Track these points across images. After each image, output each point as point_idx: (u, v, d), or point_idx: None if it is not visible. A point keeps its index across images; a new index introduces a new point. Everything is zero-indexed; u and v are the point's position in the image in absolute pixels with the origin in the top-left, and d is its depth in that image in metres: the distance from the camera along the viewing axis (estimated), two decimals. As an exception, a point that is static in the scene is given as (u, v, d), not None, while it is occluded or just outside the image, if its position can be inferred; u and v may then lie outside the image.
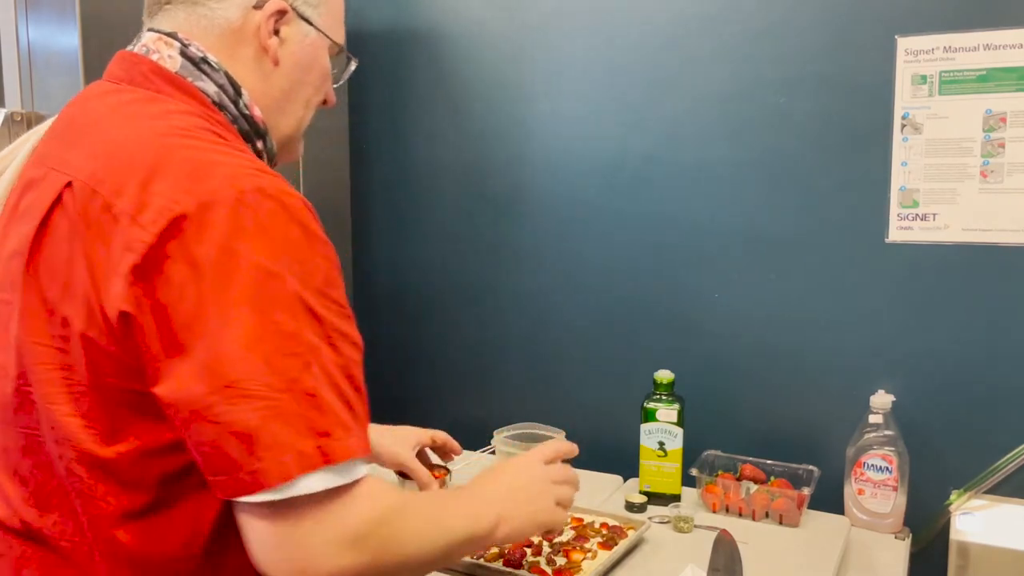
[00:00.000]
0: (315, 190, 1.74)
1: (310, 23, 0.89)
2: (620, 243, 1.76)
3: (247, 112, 0.85)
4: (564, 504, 0.99)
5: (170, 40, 0.82)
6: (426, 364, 2.00)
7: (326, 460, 0.68)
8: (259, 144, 0.88)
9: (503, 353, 1.91)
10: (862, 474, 1.45)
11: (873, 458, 1.44)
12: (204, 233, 0.68)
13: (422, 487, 1.27)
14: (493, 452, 1.65)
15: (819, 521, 1.42)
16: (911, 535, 1.45)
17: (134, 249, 0.68)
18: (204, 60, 0.82)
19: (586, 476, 1.67)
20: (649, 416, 1.52)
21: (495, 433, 1.67)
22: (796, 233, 1.60)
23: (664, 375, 1.52)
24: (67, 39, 1.36)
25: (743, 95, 1.62)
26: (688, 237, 1.69)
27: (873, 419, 1.46)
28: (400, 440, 1.31)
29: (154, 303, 0.68)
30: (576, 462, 1.70)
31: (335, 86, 0.97)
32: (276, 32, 0.86)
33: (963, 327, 1.49)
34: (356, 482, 0.71)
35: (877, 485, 1.44)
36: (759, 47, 1.60)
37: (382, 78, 1.97)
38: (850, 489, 1.47)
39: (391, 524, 0.74)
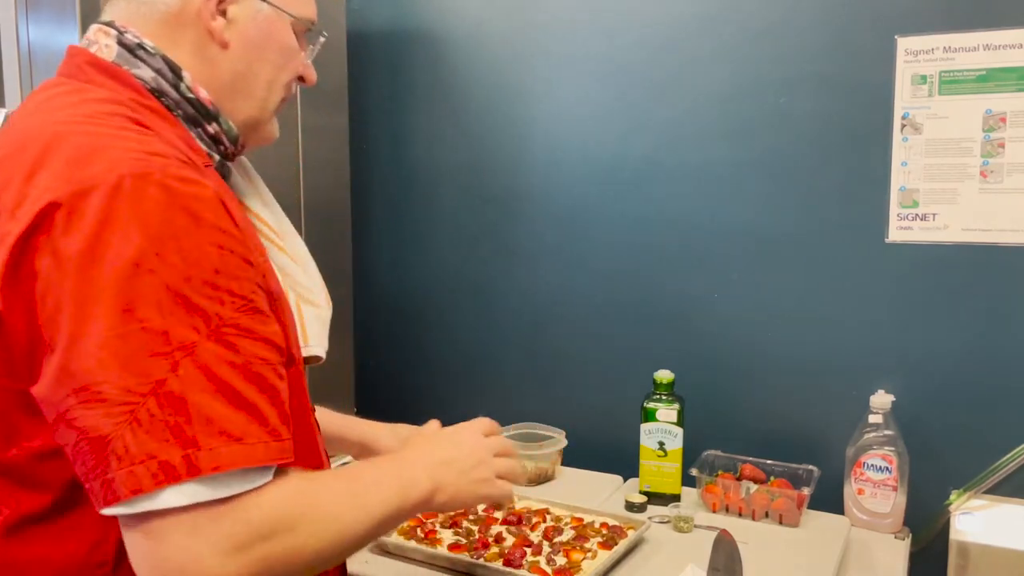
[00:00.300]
0: (315, 190, 1.74)
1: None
2: (620, 243, 1.76)
3: (191, 95, 0.82)
4: (507, 477, 0.95)
5: (108, 29, 0.81)
6: (426, 364, 2.00)
7: (192, 472, 0.62)
8: (211, 127, 0.84)
9: (503, 353, 1.91)
10: (862, 474, 1.45)
11: (873, 458, 1.44)
12: (73, 224, 0.64)
13: None
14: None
15: (819, 521, 1.42)
16: (911, 535, 1.45)
17: (4, 243, 0.66)
18: (140, 46, 0.80)
19: (586, 476, 1.68)
20: (649, 416, 1.52)
21: (495, 433, 1.67)
22: (796, 233, 1.60)
23: (664, 375, 1.52)
24: (67, 39, 1.36)
25: (743, 95, 1.62)
26: (688, 237, 1.69)
27: (873, 419, 1.46)
28: (402, 439, 1.27)
29: (23, 300, 0.65)
30: (576, 462, 1.72)
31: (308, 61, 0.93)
32: (223, 13, 0.83)
33: (963, 327, 1.49)
34: (242, 493, 0.65)
35: (877, 485, 1.44)
36: (759, 47, 1.60)
37: (382, 78, 1.97)
38: (850, 489, 1.47)
39: (290, 529, 0.68)
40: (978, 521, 1.42)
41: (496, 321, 1.92)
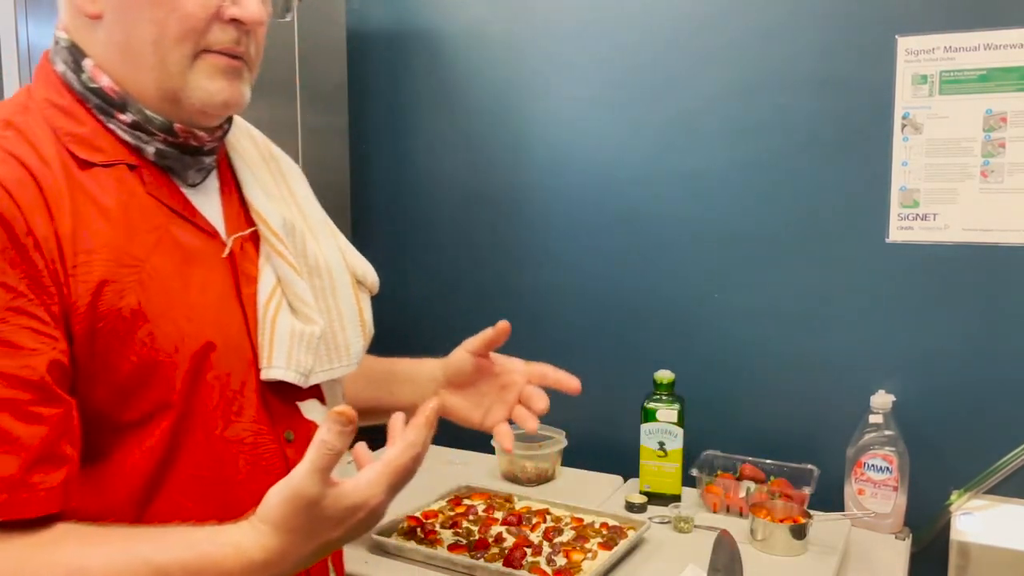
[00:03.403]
0: (315, 190, 1.73)
1: None
2: (620, 243, 1.75)
3: (93, 85, 0.76)
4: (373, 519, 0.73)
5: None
6: (426, 364, 2.00)
7: None
8: (125, 116, 0.77)
9: (503, 353, 1.90)
10: (862, 474, 1.45)
11: (873, 458, 1.44)
12: None
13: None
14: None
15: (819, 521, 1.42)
16: (911, 535, 1.45)
17: None
18: (57, 40, 0.78)
19: (586, 476, 1.68)
20: (649, 416, 1.52)
21: (495, 433, 1.67)
22: (796, 233, 1.60)
23: (664, 375, 1.52)
24: (67, 39, 1.36)
25: (743, 95, 1.62)
26: (688, 237, 1.69)
27: (873, 419, 1.46)
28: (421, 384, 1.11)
29: None
30: (576, 462, 1.71)
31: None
32: None
33: (963, 327, 1.49)
34: None
35: (877, 485, 1.44)
36: (759, 47, 1.60)
37: (382, 78, 1.97)
38: (850, 489, 1.47)
39: None
40: (978, 521, 1.42)
41: (496, 320, 1.91)
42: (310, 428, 0.85)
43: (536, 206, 1.83)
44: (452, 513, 1.39)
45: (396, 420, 0.82)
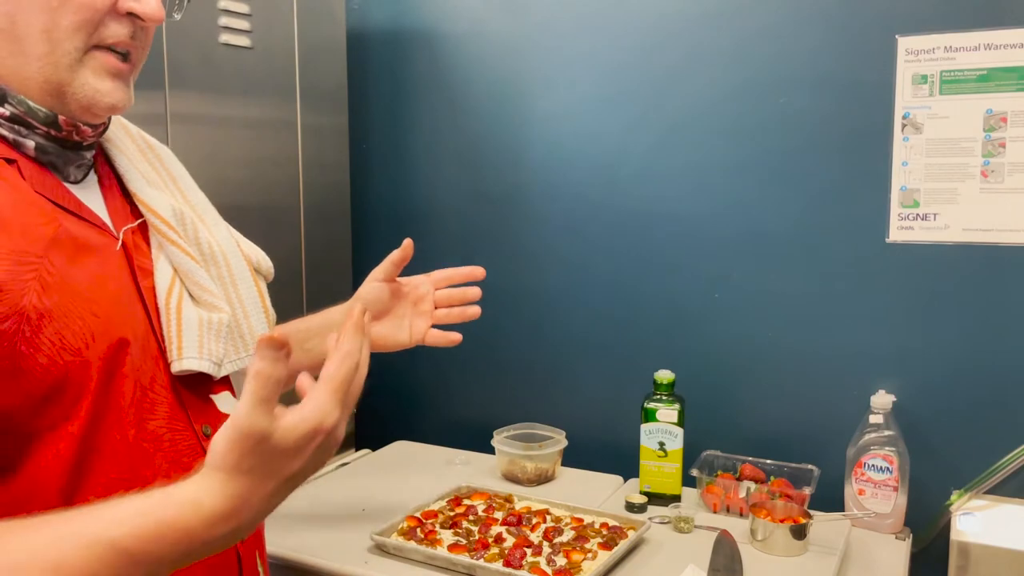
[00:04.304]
0: (315, 190, 1.73)
1: None
2: (620, 243, 1.75)
3: None
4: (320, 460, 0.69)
5: None
6: (426, 364, 2.00)
7: None
8: (3, 108, 0.73)
9: (503, 353, 1.91)
10: (863, 474, 1.45)
11: (873, 458, 1.44)
12: None
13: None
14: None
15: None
16: (911, 535, 1.45)
17: None
18: None
19: (586, 476, 1.68)
20: (649, 416, 1.52)
21: (495, 433, 1.68)
22: (797, 233, 1.60)
23: (664, 375, 1.52)
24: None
25: (744, 94, 1.62)
26: (688, 237, 1.69)
27: (873, 419, 1.46)
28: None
29: None
30: (577, 462, 1.71)
31: None
32: None
33: (964, 327, 1.49)
34: None
35: (878, 485, 1.44)
36: (759, 46, 1.60)
37: (382, 78, 1.97)
38: (850, 489, 1.47)
39: None
40: (979, 521, 1.42)
41: (496, 321, 1.91)
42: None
43: (536, 206, 1.83)
44: (452, 513, 1.39)
45: (329, 339, 0.72)
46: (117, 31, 0.74)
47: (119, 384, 0.74)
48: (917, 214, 1.51)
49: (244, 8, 1.53)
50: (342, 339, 0.68)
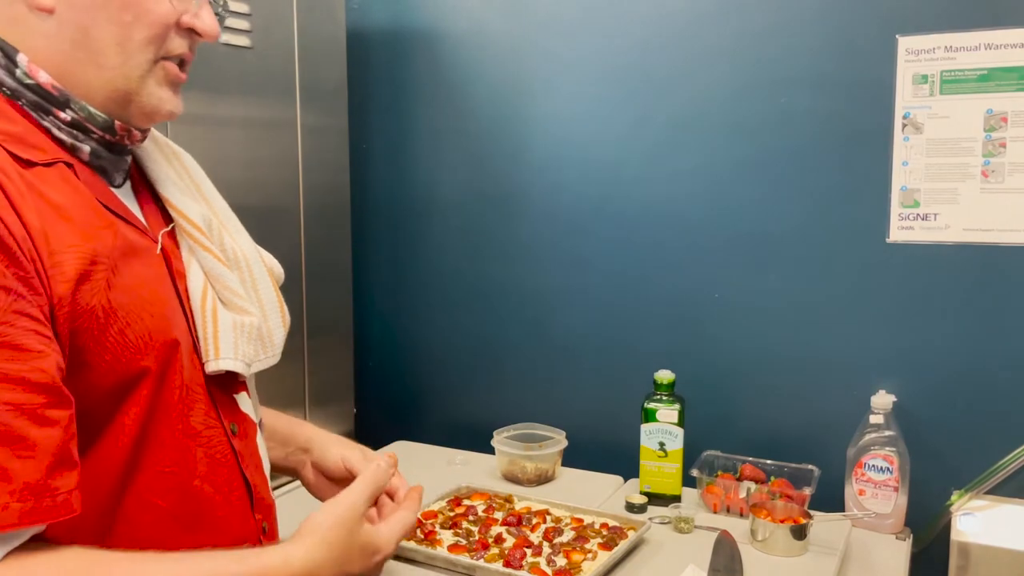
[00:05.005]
0: (315, 190, 1.73)
1: None
2: (620, 243, 1.75)
3: (29, 81, 0.74)
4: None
5: None
6: (426, 364, 2.00)
7: None
8: (65, 114, 0.75)
9: (503, 353, 1.91)
10: (863, 474, 1.45)
11: (874, 458, 1.44)
12: None
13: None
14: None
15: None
16: (912, 535, 1.45)
17: None
18: None
19: (586, 476, 1.68)
20: (649, 416, 1.52)
21: (495, 433, 1.68)
22: (797, 233, 1.60)
23: (664, 375, 1.52)
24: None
25: (744, 94, 1.62)
26: (688, 237, 1.69)
27: (874, 419, 1.46)
28: (345, 457, 1.07)
29: None
30: (577, 462, 1.71)
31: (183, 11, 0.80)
32: None
33: (964, 327, 1.49)
34: None
35: (878, 485, 1.44)
36: (760, 46, 1.60)
37: (382, 78, 1.97)
38: (851, 489, 1.47)
39: None
40: (979, 522, 1.42)
41: (496, 321, 1.91)
42: (246, 420, 0.89)
43: (536, 206, 1.83)
44: (452, 513, 1.39)
45: (401, 486, 0.97)
46: (180, 44, 0.80)
47: (171, 382, 0.78)
48: (917, 214, 1.51)
49: (244, 8, 1.53)
50: (413, 503, 0.92)
